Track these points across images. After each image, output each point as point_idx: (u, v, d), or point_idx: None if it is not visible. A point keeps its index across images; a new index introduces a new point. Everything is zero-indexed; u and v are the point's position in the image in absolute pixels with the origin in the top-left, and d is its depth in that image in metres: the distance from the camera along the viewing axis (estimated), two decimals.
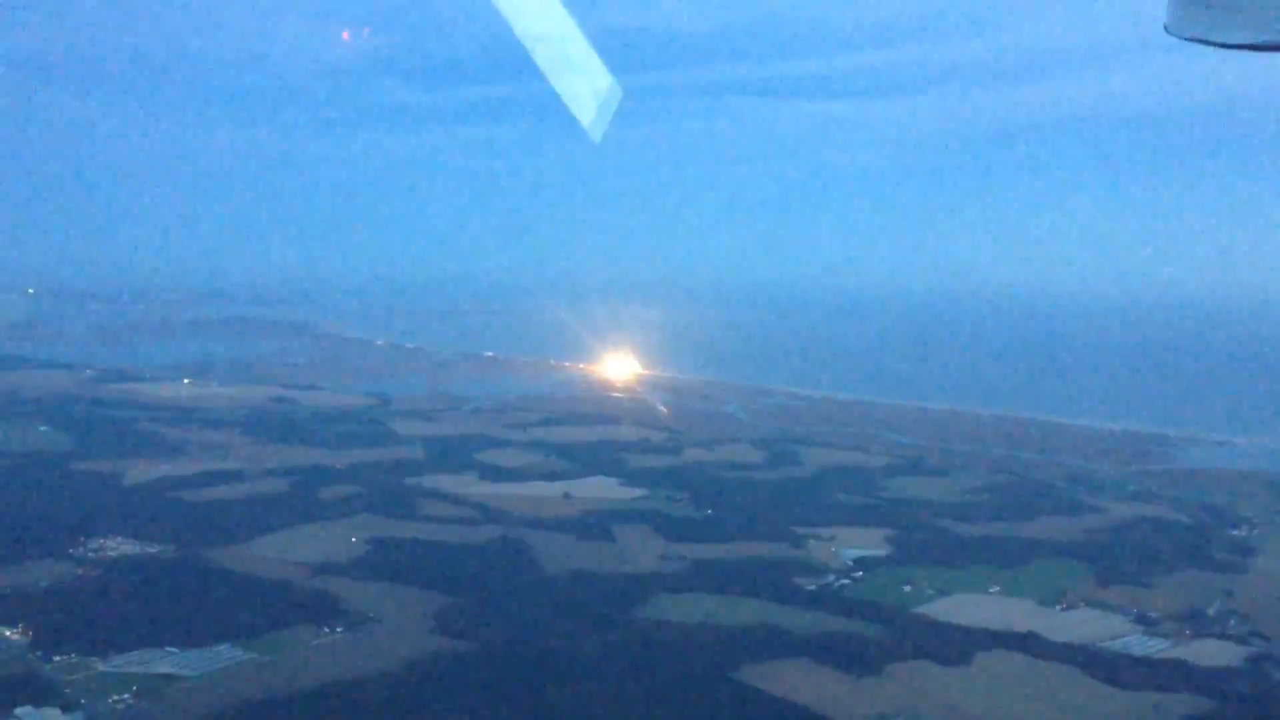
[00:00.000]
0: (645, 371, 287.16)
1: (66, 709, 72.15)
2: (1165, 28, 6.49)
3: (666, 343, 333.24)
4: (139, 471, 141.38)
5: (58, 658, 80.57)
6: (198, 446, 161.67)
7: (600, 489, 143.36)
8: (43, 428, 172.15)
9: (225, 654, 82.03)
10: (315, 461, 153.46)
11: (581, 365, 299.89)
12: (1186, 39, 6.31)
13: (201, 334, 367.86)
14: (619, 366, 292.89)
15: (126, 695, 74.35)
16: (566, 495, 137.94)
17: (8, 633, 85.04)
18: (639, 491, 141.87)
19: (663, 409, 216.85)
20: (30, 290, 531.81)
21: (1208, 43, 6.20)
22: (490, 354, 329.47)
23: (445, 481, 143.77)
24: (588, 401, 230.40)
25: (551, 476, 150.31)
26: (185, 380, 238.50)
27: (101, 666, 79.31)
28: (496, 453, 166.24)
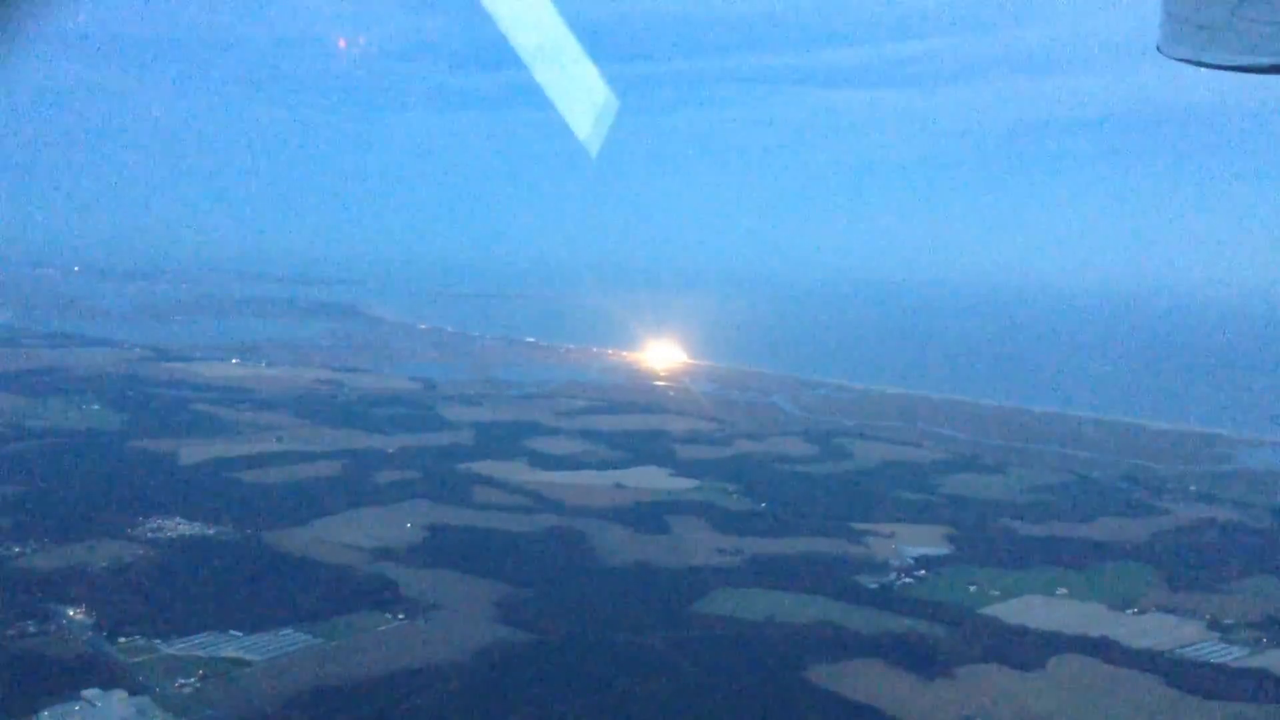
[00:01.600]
0: (686, 360, 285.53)
1: (133, 692, 71.79)
2: (1157, 48, 6.32)
3: (706, 332, 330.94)
4: (194, 451, 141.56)
5: (122, 639, 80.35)
6: (250, 427, 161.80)
7: (651, 479, 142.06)
8: (95, 406, 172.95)
9: (289, 639, 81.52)
10: (367, 445, 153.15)
11: (622, 353, 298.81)
12: (1177, 60, 6.12)
13: (245, 314, 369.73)
14: (660, 355, 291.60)
15: (193, 679, 73.97)
16: (618, 485, 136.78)
17: (71, 612, 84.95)
18: (690, 483, 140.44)
19: (707, 399, 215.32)
20: (75, 268, 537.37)
21: (1198, 63, 6.01)
22: (531, 339, 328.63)
23: (496, 468, 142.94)
24: (632, 390, 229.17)
25: (602, 465, 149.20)
26: (233, 360, 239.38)
27: (166, 649, 79.02)
28: (545, 440, 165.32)
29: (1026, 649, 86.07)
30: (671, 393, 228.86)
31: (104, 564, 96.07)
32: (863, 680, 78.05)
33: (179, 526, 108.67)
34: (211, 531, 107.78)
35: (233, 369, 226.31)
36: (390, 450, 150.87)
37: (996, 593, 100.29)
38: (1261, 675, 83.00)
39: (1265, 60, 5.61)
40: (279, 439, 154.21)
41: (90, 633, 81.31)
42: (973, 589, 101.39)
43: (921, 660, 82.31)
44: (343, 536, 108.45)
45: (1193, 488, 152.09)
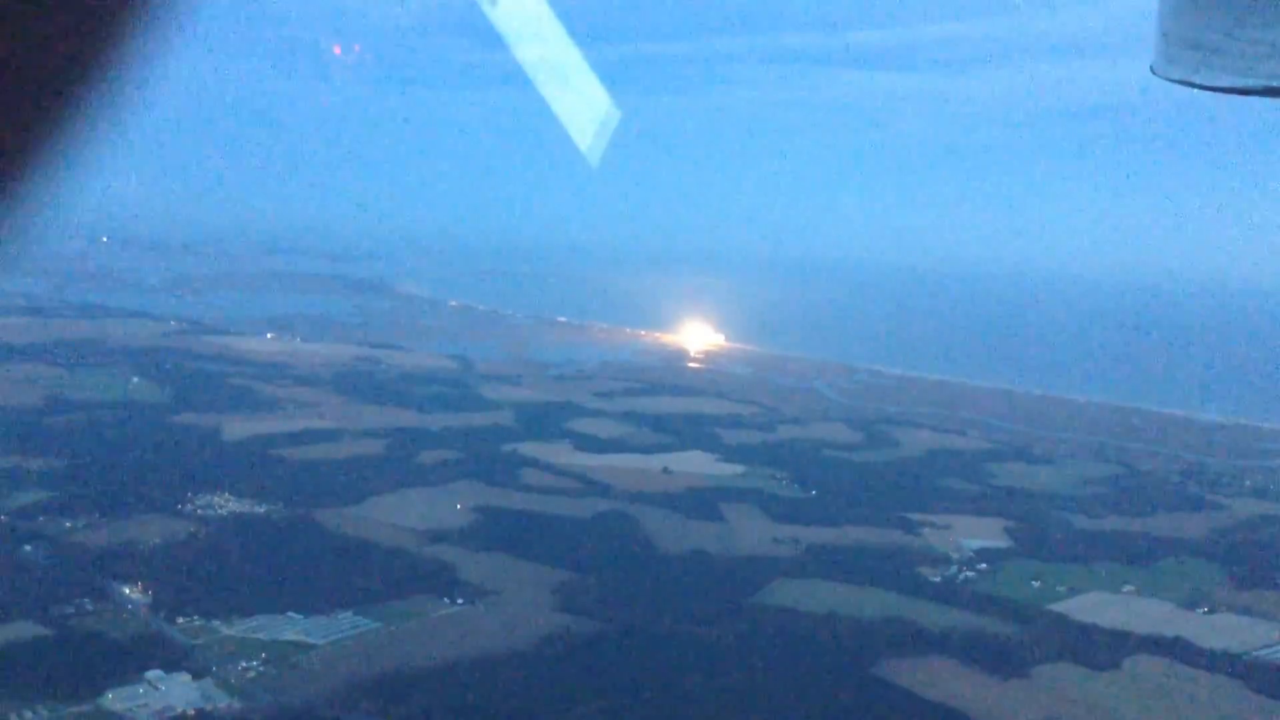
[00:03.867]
0: (719, 343, 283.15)
1: (196, 675, 70.62)
2: (1151, 69, 6.32)
3: (737, 314, 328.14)
4: (237, 427, 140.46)
5: (181, 619, 79.22)
6: (292, 404, 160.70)
7: (698, 464, 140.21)
8: (135, 379, 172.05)
9: (349, 622, 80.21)
10: (408, 424, 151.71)
11: (654, 334, 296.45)
12: (1172, 81, 6.08)
13: (276, 288, 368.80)
14: (692, 336, 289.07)
15: (256, 663, 72.73)
16: (666, 470, 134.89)
17: (127, 590, 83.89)
18: (738, 468, 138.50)
19: (745, 383, 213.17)
20: (104, 239, 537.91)
21: (1193, 85, 5.99)
22: (563, 319, 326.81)
23: (541, 450, 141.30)
24: (668, 372, 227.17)
25: (646, 449, 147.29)
26: (268, 335, 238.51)
27: (226, 630, 77.82)
28: (588, 422, 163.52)
29: (1099, 649, 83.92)
30: (708, 375, 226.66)
31: (156, 540, 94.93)
32: (936, 678, 76.13)
33: (228, 503, 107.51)
34: (261, 510, 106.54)
35: (268, 344, 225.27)
36: (433, 429, 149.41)
37: (1062, 589, 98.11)
38: None
39: (1259, 83, 5.48)
40: (321, 416, 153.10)
41: (148, 612, 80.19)
42: (1037, 584, 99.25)
43: (994, 658, 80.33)
44: (394, 517, 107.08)
45: (1247, 483, 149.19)
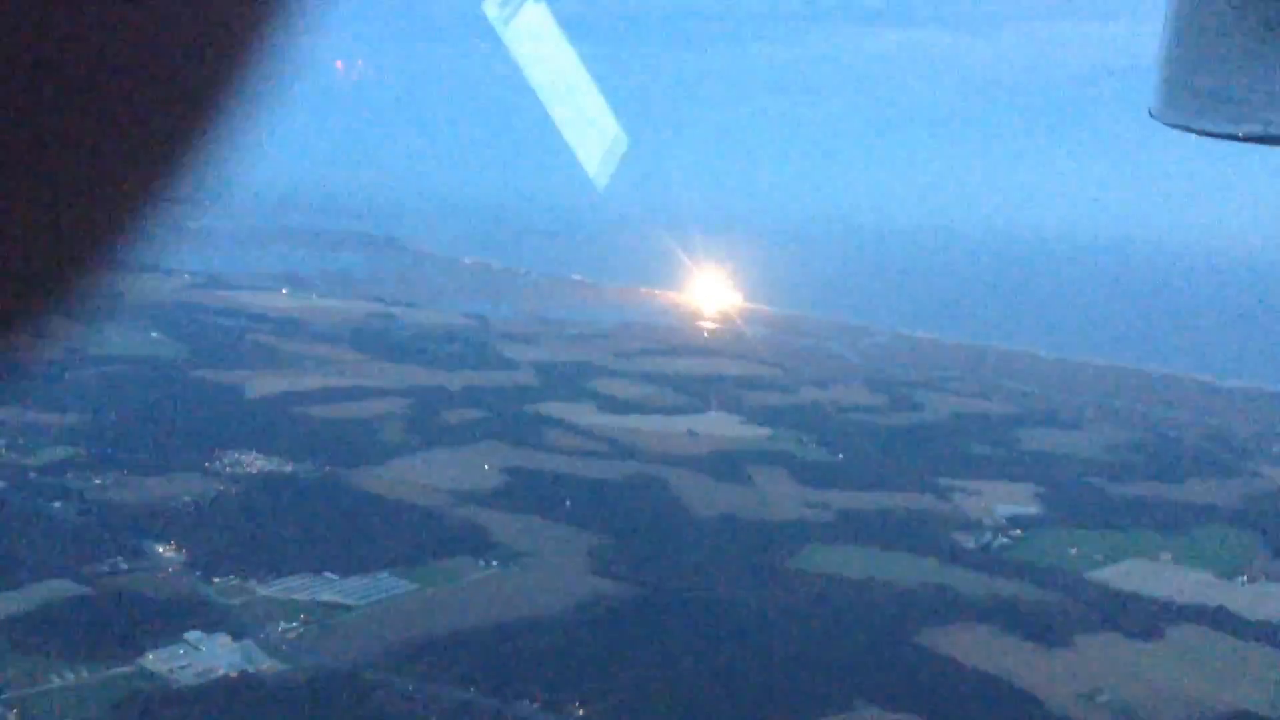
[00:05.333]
0: (735, 303, 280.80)
1: (236, 636, 69.89)
2: (1149, 113, 5.93)
3: (752, 274, 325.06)
4: (260, 384, 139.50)
5: (217, 579, 78.50)
6: (311, 360, 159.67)
7: (723, 426, 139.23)
8: (153, 333, 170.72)
9: (387, 583, 79.49)
10: (430, 382, 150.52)
11: (670, 294, 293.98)
12: (1172, 126, 5.74)
13: (287, 243, 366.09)
14: (708, 297, 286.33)
15: (295, 624, 72.09)
16: (691, 432, 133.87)
17: (161, 549, 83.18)
18: (763, 431, 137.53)
19: (763, 344, 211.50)
20: None
21: (1193, 130, 5.68)
22: (578, 278, 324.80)
23: (565, 410, 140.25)
24: (686, 332, 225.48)
25: (670, 411, 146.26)
26: (282, 290, 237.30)
27: (263, 590, 77.13)
28: (609, 382, 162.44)
29: (1142, 618, 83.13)
30: (726, 336, 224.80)
31: (187, 498, 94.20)
32: (979, 647, 75.37)
33: (256, 461, 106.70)
34: (290, 468, 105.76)
35: (283, 299, 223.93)
36: (454, 388, 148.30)
37: (1099, 556, 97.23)
38: None
39: (1259, 129, 5.24)
40: (341, 373, 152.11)
41: (184, 571, 79.51)
42: (1073, 551, 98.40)
43: (1036, 627, 79.52)
44: (422, 477, 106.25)
45: (1277, 449, 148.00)
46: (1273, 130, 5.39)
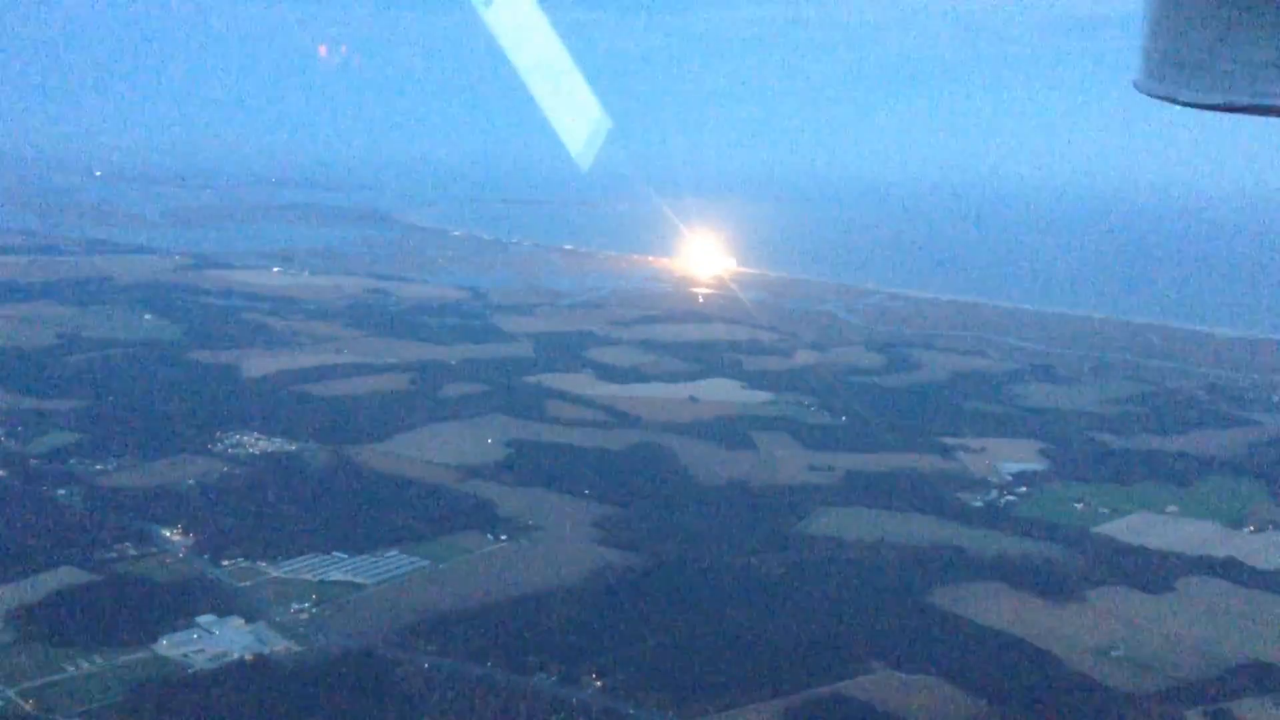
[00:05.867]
0: (728, 268, 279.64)
1: (249, 619, 69.56)
2: (1134, 85, 6.31)
3: (744, 238, 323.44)
4: (256, 363, 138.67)
5: (226, 562, 78.13)
6: (308, 338, 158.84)
7: (723, 392, 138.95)
8: (147, 315, 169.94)
9: (396, 561, 79.19)
10: (428, 357, 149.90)
11: (663, 260, 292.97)
12: (1155, 97, 6.08)
13: (276, 220, 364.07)
14: (701, 262, 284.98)
15: (307, 604, 71.73)
16: (693, 399, 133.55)
17: (168, 533, 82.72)
18: (765, 395, 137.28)
19: (760, 308, 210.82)
20: (97, 173, 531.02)
21: (1177, 102, 5.98)
22: (569, 247, 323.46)
23: (564, 380, 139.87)
24: (681, 298, 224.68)
25: (670, 378, 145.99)
26: (274, 269, 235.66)
27: (273, 572, 76.79)
28: (607, 351, 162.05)
29: (1151, 571, 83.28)
30: (721, 301, 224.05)
31: (191, 481, 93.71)
32: (992, 605, 75.40)
33: (258, 442, 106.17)
34: (293, 447, 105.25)
35: (276, 277, 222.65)
36: (453, 362, 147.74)
37: (1105, 510, 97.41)
38: None
39: (1242, 100, 5.55)
40: (338, 350, 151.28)
41: (193, 555, 79.09)
42: (1079, 506, 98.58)
43: (1048, 583, 79.56)
44: (426, 453, 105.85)
45: (1274, 398, 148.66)
46: (1255, 101, 5.55)
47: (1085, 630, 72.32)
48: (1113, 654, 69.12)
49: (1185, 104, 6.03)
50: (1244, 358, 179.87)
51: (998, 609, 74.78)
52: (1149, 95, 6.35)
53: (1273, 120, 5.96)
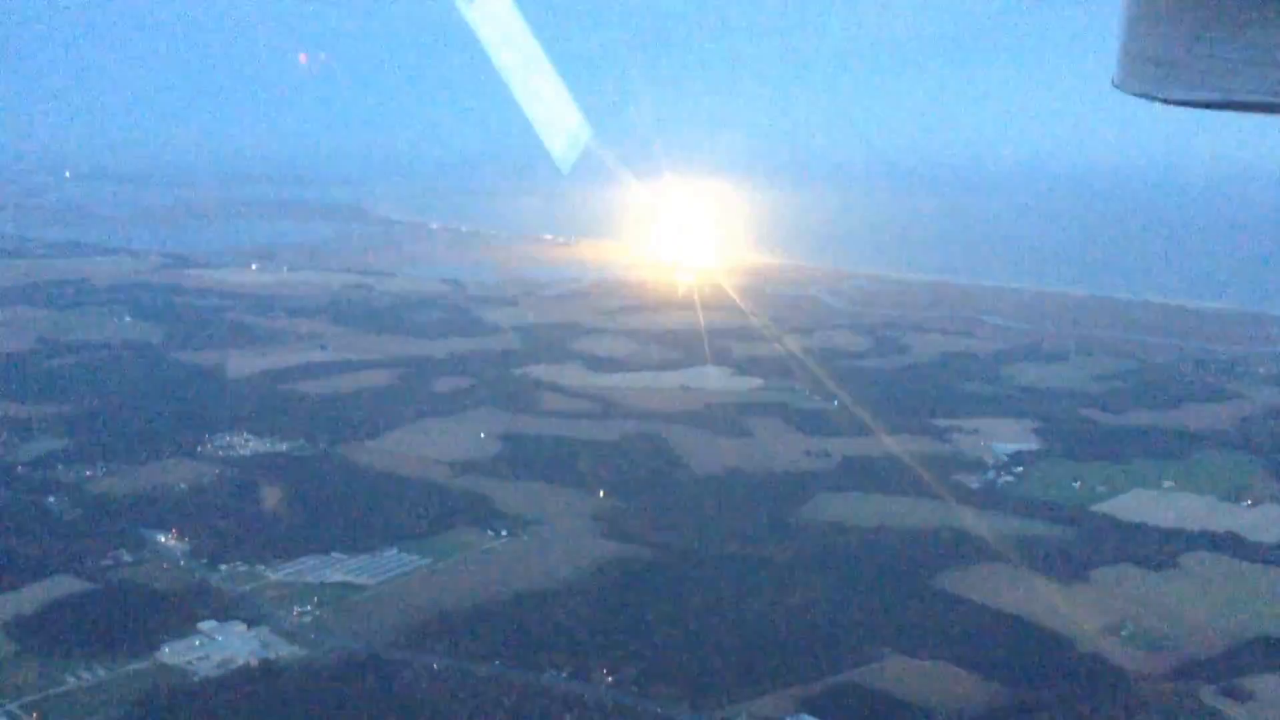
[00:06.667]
0: (709, 253, 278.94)
1: (251, 623, 68.51)
2: (1113, 83, 6.42)
3: (723, 222, 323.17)
4: (241, 363, 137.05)
5: (224, 566, 76.98)
6: (291, 336, 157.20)
7: (714, 379, 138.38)
8: (127, 317, 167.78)
9: (396, 560, 78.29)
10: (414, 352, 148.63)
11: (642, 247, 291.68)
12: (1133, 95, 6.26)
13: (249, 217, 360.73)
14: (681, 248, 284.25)
15: (309, 607, 70.71)
16: (684, 387, 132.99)
17: (162, 539, 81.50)
18: (755, 382, 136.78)
19: (743, 293, 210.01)
20: (67, 173, 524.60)
21: (1155, 99, 6.22)
22: (548, 236, 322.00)
23: (553, 372, 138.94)
24: (663, 286, 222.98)
25: (660, 366, 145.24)
26: (252, 266, 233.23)
27: (272, 575, 75.72)
28: (593, 341, 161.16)
29: (1153, 547, 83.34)
30: (704, 288, 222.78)
31: (183, 485, 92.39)
32: (998, 587, 75.21)
33: (249, 443, 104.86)
34: (284, 447, 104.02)
35: (255, 275, 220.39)
36: (439, 356, 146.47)
37: (1103, 488, 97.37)
38: None
39: (1220, 97, 5.71)
40: (323, 347, 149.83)
41: (189, 560, 77.89)
42: (1077, 484, 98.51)
43: (1051, 563, 79.47)
44: (419, 449, 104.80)
45: (1261, 370, 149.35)
46: (1228, 97, 5.65)
47: (1093, 610, 72.19)
48: (1122, 633, 69.09)
49: (1162, 101, 6.17)
50: (1228, 329, 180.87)
51: (1004, 591, 74.58)
52: (1127, 93, 6.44)
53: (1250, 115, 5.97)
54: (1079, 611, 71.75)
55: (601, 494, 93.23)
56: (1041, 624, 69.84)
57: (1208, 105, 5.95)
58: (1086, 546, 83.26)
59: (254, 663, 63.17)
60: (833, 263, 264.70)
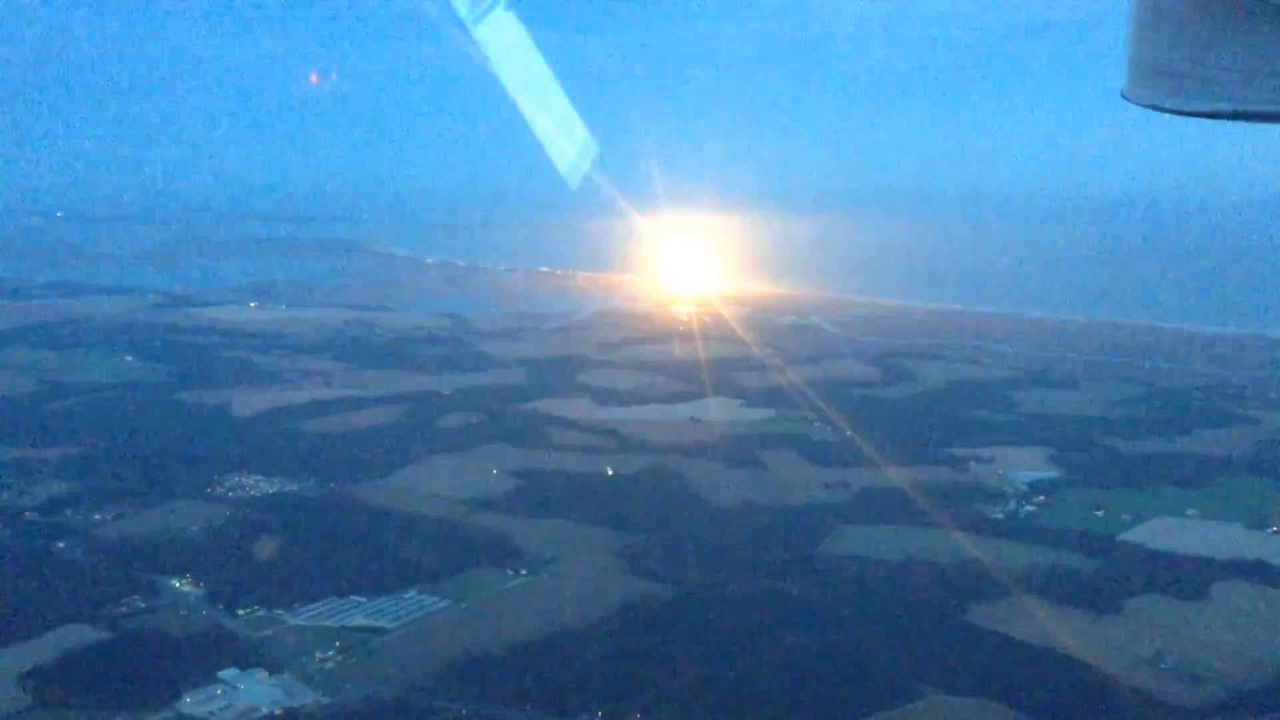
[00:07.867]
0: (708, 284, 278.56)
1: (273, 671, 66.91)
2: (1121, 94, 6.33)
3: (719, 253, 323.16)
4: (247, 402, 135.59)
5: (242, 611, 75.33)
6: (295, 374, 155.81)
7: (724, 411, 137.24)
8: (128, 357, 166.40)
9: (417, 602, 76.74)
10: (420, 388, 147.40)
11: (640, 278, 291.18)
12: (1143, 106, 6.18)
13: (246, 254, 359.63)
14: (680, 279, 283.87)
15: (331, 652, 69.13)
16: (694, 419, 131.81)
17: (177, 584, 79.89)
18: (766, 413, 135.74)
19: (745, 323, 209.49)
20: (59, 214, 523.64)
21: (1163, 110, 6.07)
22: (545, 269, 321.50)
23: (562, 406, 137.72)
24: (665, 317, 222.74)
25: (668, 399, 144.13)
26: (251, 303, 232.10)
27: (292, 620, 74.08)
28: (600, 374, 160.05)
29: (1184, 577, 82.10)
30: (707, 319, 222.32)
31: (195, 528, 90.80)
32: (1031, 620, 73.86)
33: (259, 484, 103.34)
34: (294, 488, 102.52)
35: (254, 312, 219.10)
36: (446, 392, 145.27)
37: (1126, 517, 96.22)
38: None
39: (1227, 107, 5.64)
40: (328, 384, 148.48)
41: (206, 605, 76.24)
42: (1100, 513, 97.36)
43: (1082, 595, 78.21)
44: (431, 487, 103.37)
45: (1272, 394, 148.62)
46: (1239, 107, 5.55)
47: (1130, 642, 70.91)
48: (1162, 666, 67.75)
49: (1171, 111, 6.00)
50: (1233, 355, 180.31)
51: (1038, 625, 73.22)
52: (1136, 103, 6.28)
53: (1259, 126, 5.66)
54: (1116, 644, 70.49)
55: (620, 529, 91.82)
56: (1080, 658, 68.49)
57: (1216, 115, 5.67)
58: (1116, 577, 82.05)
59: (279, 712, 61.65)
60: (834, 291, 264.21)
